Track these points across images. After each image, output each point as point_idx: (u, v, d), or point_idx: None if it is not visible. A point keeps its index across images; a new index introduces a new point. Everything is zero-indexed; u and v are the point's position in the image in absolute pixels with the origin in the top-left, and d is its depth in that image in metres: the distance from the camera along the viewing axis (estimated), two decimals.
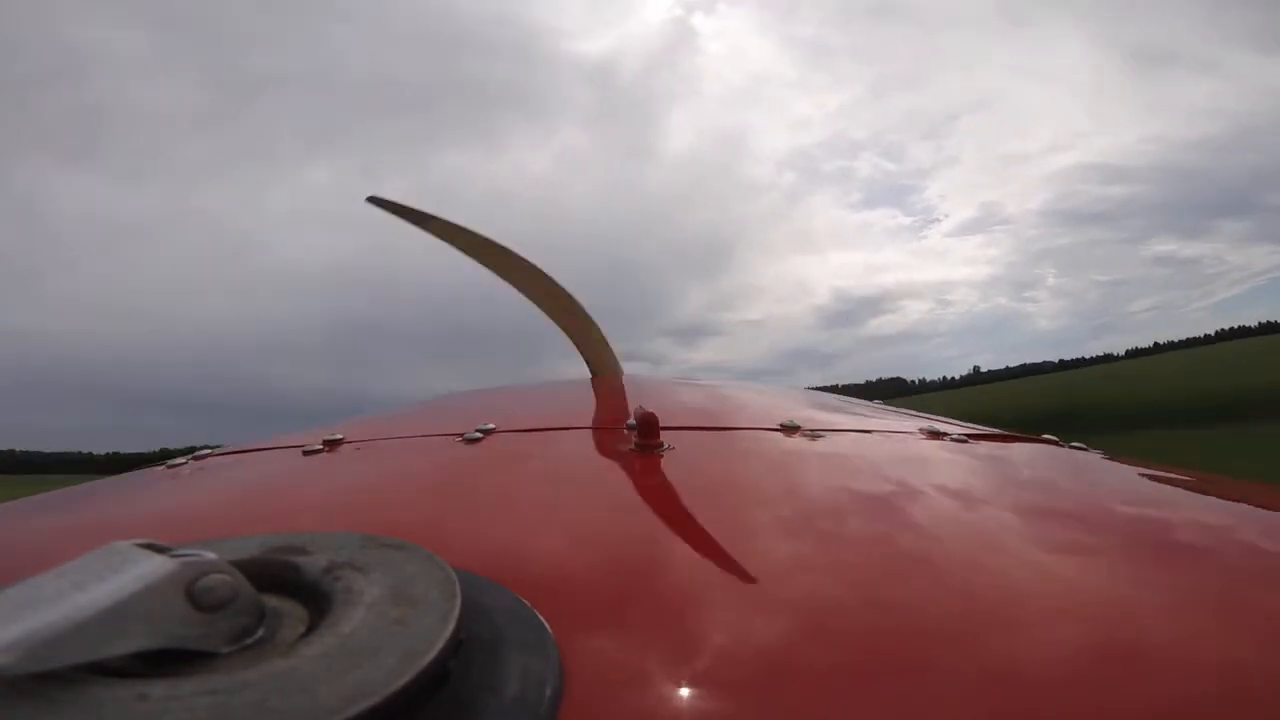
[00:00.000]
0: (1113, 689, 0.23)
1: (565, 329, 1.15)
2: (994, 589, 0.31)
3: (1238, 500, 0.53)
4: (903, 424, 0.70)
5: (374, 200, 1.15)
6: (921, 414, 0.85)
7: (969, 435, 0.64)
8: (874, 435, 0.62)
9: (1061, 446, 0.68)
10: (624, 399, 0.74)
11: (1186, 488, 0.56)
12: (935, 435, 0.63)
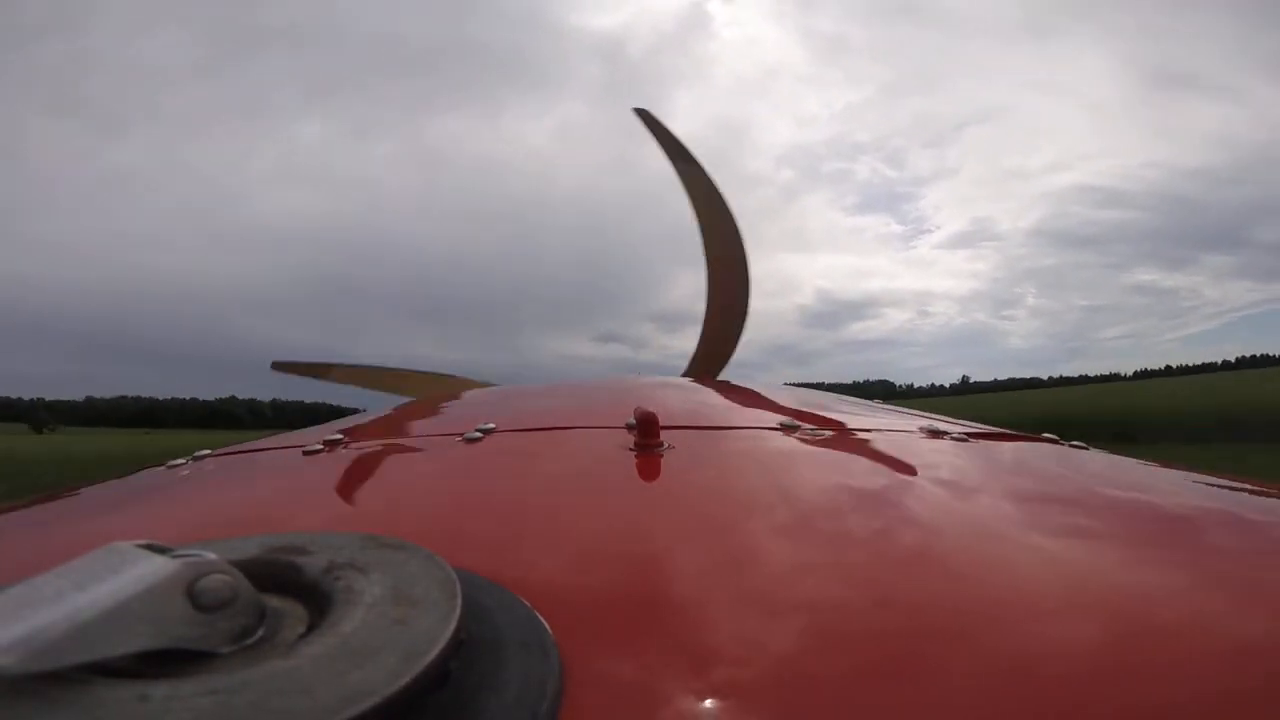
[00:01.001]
0: (1116, 688, 0.23)
1: (711, 321, 1.11)
2: (999, 587, 0.31)
3: (1240, 496, 0.53)
4: (903, 423, 0.70)
5: (641, 113, 1.12)
6: (920, 413, 0.85)
7: (969, 434, 0.64)
8: (874, 434, 0.62)
9: (1062, 445, 0.68)
10: (624, 398, 0.74)
11: (1189, 484, 0.56)
12: (936, 434, 0.63)
